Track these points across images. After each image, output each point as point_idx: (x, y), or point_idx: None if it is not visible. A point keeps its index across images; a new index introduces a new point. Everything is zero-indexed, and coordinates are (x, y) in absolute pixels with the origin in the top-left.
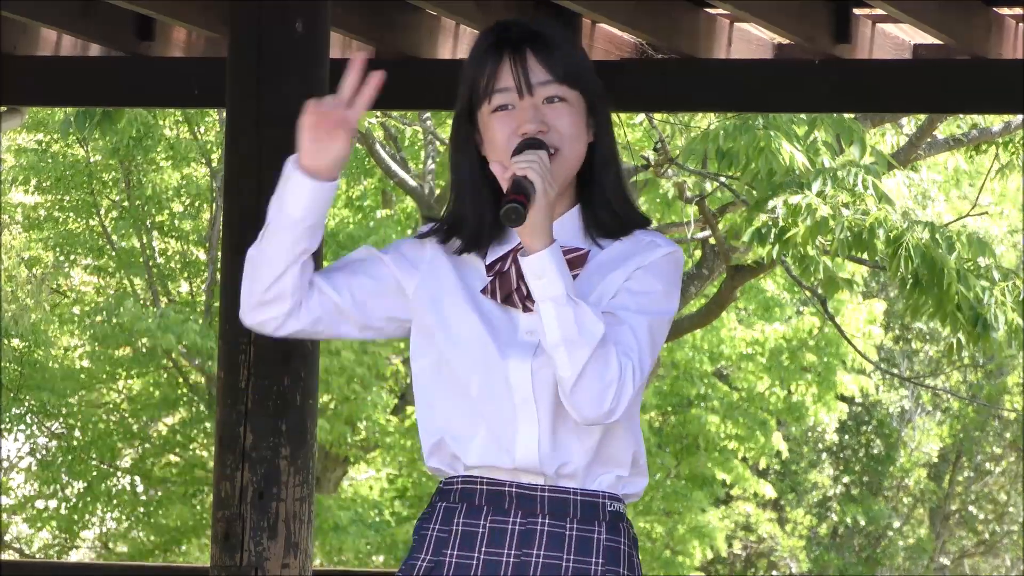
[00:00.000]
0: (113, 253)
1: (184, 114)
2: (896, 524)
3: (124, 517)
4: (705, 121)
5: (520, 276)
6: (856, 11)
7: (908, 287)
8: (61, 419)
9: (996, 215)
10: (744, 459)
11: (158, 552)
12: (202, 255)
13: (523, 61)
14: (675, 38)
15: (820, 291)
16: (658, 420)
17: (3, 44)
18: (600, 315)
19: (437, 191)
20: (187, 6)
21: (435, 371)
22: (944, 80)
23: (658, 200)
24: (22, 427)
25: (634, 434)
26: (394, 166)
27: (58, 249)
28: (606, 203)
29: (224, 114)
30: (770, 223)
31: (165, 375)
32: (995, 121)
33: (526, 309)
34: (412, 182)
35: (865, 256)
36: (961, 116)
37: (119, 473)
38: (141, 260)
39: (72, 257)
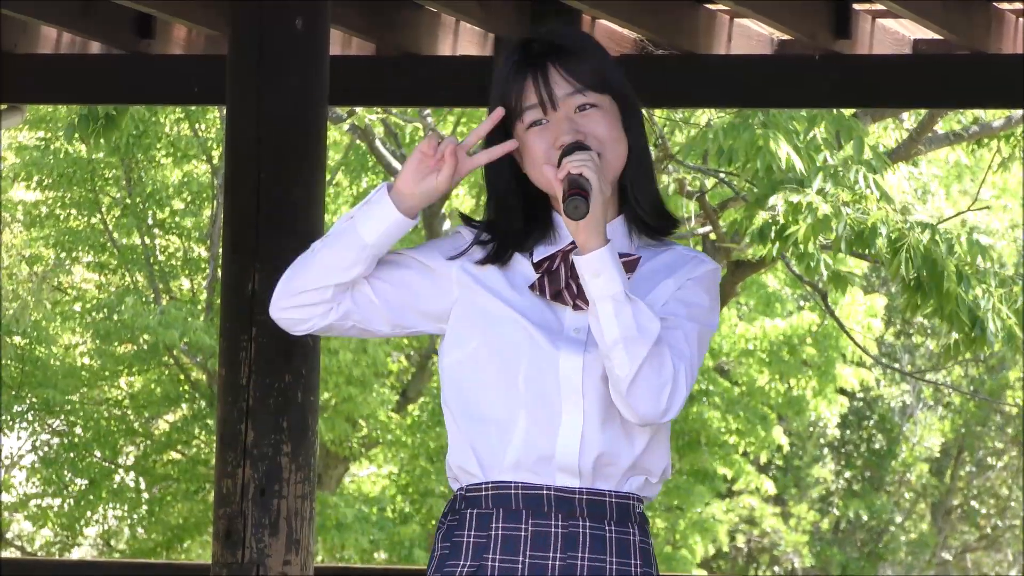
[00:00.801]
0: (114, 250)
1: (185, 111)
2: (898, 519)
3: (126, 514)
4: (704, 117)
5: (570, 275)
6: (856, 6)
7: (909, 287)
8: (63, 416)
9: (998, 209)
10: (745, 454)
11: (160, 549)
12: (203, 252)
13: (545, 76)
14: (675, 34)
15: (821, 286)
16: None
17: (3, 42)
18: (656, 314)
19: None
20: (187, 4)
21: (475, 360)
22: (944, 75)
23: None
24: (24, 424)
25: (668, 445)
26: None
27: (59, 246)
28: (647, 206)
29: (224, 112)
30: (771, 221)
31: (167, 372)
32: (996, 116)
33: (576, 307)
34: None
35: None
36: (961, 111)
37: (121, 470)
38: (142, 257)
39: (73, 254)
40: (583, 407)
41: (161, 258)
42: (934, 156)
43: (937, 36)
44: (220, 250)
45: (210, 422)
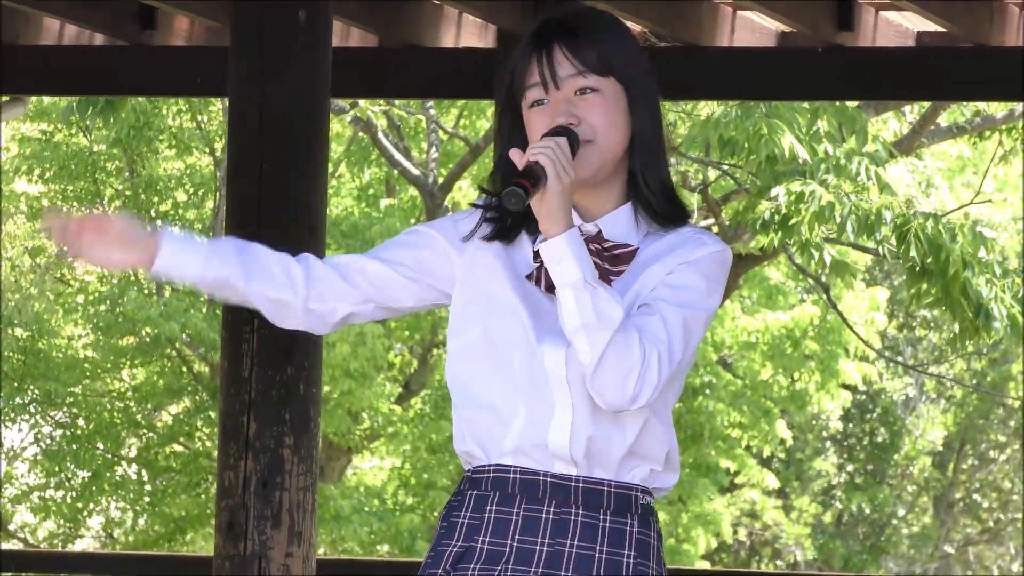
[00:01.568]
0: None
1: (187, 103)
2: (900, 512)
3: (128, 506)
4: (707, 109)
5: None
6: None
7: (914, 273)
8: (65, 408)
9: (1000, 202)
10: (748, 448)
11: (162, 541)
12: None
13: (550, 55)
14: (678, 26)
15: (824, 279)
16: None
17: (6, 34)
18: (619, 300)
19: (441, 180)
20: None
21: (477, 347)
22: (947, 68)
23: None
24: (26, 416)
25: (668, 430)
26: (397, 155)
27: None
28: (655, 194)
29: (227, 103)
30: (773, 211)
31: (169, 365)
32: (998, 108)
33: None
34: (415, 171)
35: (870, 243)
36: (964, 103)
37: (123, 462)
38: None
39: None
40: (571, 398)
41: None
42: (937, 149)
43: (940, 29)
44: None
45: (212, 414)
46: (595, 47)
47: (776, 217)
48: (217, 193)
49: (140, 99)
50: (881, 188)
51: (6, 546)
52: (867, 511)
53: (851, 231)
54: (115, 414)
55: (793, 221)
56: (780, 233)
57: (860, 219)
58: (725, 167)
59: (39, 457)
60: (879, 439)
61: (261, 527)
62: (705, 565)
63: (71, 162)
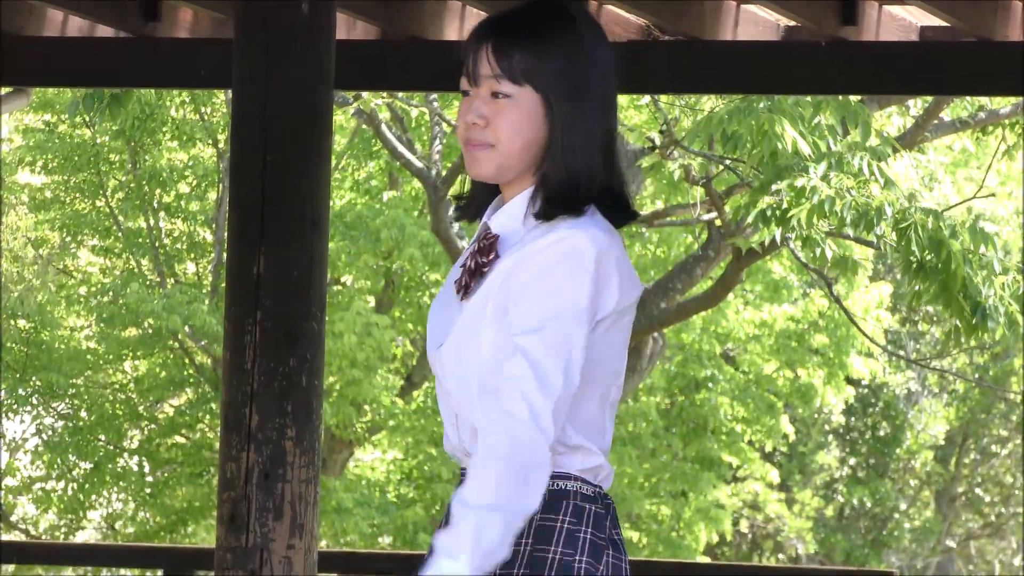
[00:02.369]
0: (120, 234)
1: (191, 95)
2: (902, 506)
3: (130, 498)
4: (710, 103)
5: (464, 268)
6: None
7: (913, 270)
8: (67, 400)
9: (1003, 196)
10: (750, 442)
11: (164, 533)
12: (208, 236)
13: (478, 52)
14: (682, 20)
15: (827, 273)
16: (665, 402)
17: (9, 25)
18: (447, 550)
19: (444, 172)
20: None
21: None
22: (950, 62)
23: (664, 182)
24: (28, 408)
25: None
26: (400, 148)
27: (64, 230)
28: (549, 193)
29: (230, 95)
30: (774, 205)
31: (171, 356)
32: (1002, 103)
33: (464, 298)
34: (418, 164)
35: (871, 238)
36: (967, 98)
37: (125, 454)
38: (147, 241)
39: (79, 238)
40: (449, 402)
41: (166, 242)
42: (940, 143)
43: (943, 23)
44: (225, 234)
45: (214, 406)
46: (519, 54)
47: (777, 212)
48: (220, 185)
49: (144, 90)
50: (884, 183)
51: (7, 538)
52: (869, 505)
53: (850, 226)
54: (117, 406)
55: (792, 214)
56: (780, 227)
57: (860, 214)
58: (728, 162)
59: (41, 448)
60: (881, 433)
61: (263, 519)
62: (707, 559)
63: (74, 153)
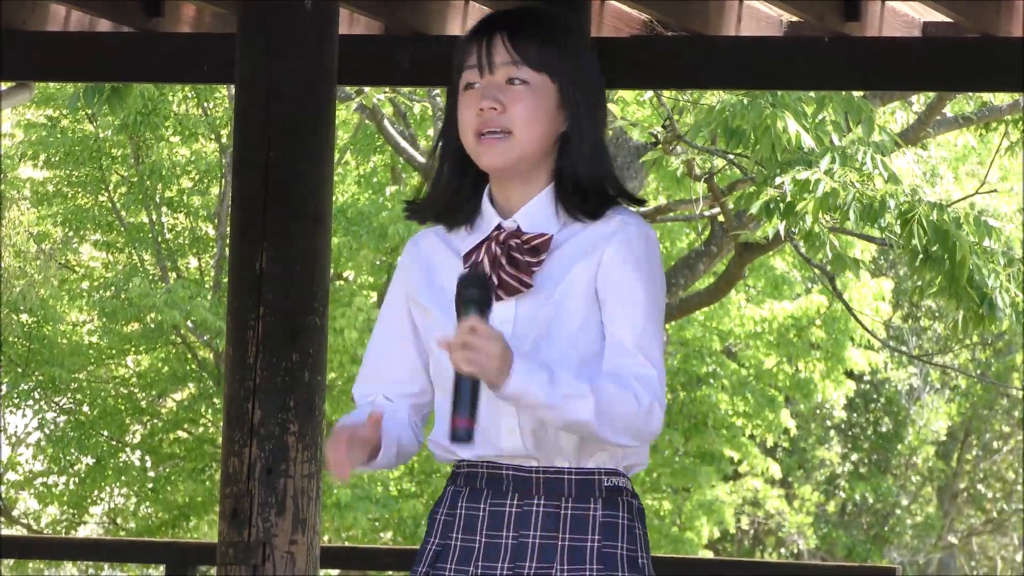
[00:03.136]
0: (122, 228)
1: (193, 89)
2: (904, 502)
3: (132, 493)
4: (713, 98)
5: (493, 265)
6: None
7: (918, 262)
8: (69, 394)
9: (1005, 192)
10: (751, 436)
11: (166, 528)
12: (211, 231)
13: (490, 42)
14: (684, 15)
15: (829, 269)
16: (667, 398)
17: (11, 19)
18: (577, 387)
19: None
20: None
21: (430, 372)
22: (953, 58)
23: (667, 177)
24: (30, 402)
25: None
26: (403, 143)
27: (67, 224)
28: (576, 186)
29: (233, 90)
30: (778, 198)
31: (174, 351)
32: (1005, 99)
33: (498, 298)
34: (421, 159)
35: (875, 232)
36: (970, 94)
37: (128, 449)
38: (150, 236)
39: (81, 232)
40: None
41: (169, 237)
42: (943, 139)
43: (947, 19)
44: (228, 229)
45: (217, 401)
46: (534, 42)
47: (780, 205)
48: (223, 180)
49: (146, 85)
50: (887, 177)
51: (9, 532)
52: (871, 501)
53: (854, 219)
54: (119, 400)
55: (798, 207)
56: (784, 221)
57: (864, 206)
58: (731, 157)
59: (43, 443)
60: (883, 429)
61: (265, 514)
62: (708, 554)
63: (76, 148)
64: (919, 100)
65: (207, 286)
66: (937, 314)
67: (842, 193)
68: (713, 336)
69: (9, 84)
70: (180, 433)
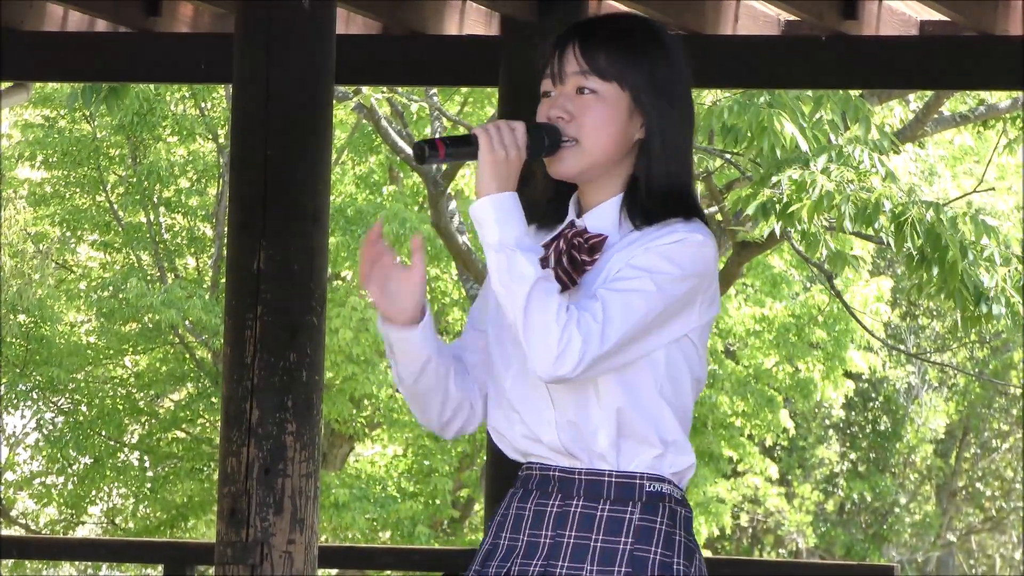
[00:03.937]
0: (120, 229)
1: (191, 89)
2: (903, 500)
3: (131, 493)
4: (710, 97)
5: (557, 260)
6: None
7: (914, 263)
8: (67, 395)
9: (1003, 190)
10: (750, 436)
11: (164, 528)
12: (209, 231)
13: (563, 52)
14: (682, 14)
15: (827, 267)
16: None
17: (9, 19)
18: (534, 262)
19: (444, 167)
20: None
21: (491, 346)
22: (951, 57)
23: None
24: (28, 403)
25: (657, 411)
26: (400, 142)
27: (64, 224)
28: (647, 194)
29: (231, 90)
30: (775, 198)
31: (171, 351)
32: (1002, 97)
33: (564, 288)
34: None
35: (870, 232)
36: (968, 92)
37: (126, 449)
38: (147, 236)
39: (78, 232)
40: (550, 396)
41: (166, 237)
42: (940, 138)
43: (944, 18)
44: (225, 229)
45: (215, 401)
46: (604, 52)
47: (777, 205)
48: (220, 180)
49: (144, 85)
50: (885, 176)
51: (7, 532)
52: (869, 499)
53: (849, 220)
54: (117, 400)
55: (793, 208)
56: (780, 221)
57: (859, 208)
58: (728, 156)
59: (41, 443)
60: (882, 427)
61: (263, 514)
62: (707, 553)
63: (74, 148)
64: (917, 98)
65: (205, 286)
66: (935, 312)
67: (838, 197)
68: (712, 336)
69: (7, 84)
70: (178, 433)
